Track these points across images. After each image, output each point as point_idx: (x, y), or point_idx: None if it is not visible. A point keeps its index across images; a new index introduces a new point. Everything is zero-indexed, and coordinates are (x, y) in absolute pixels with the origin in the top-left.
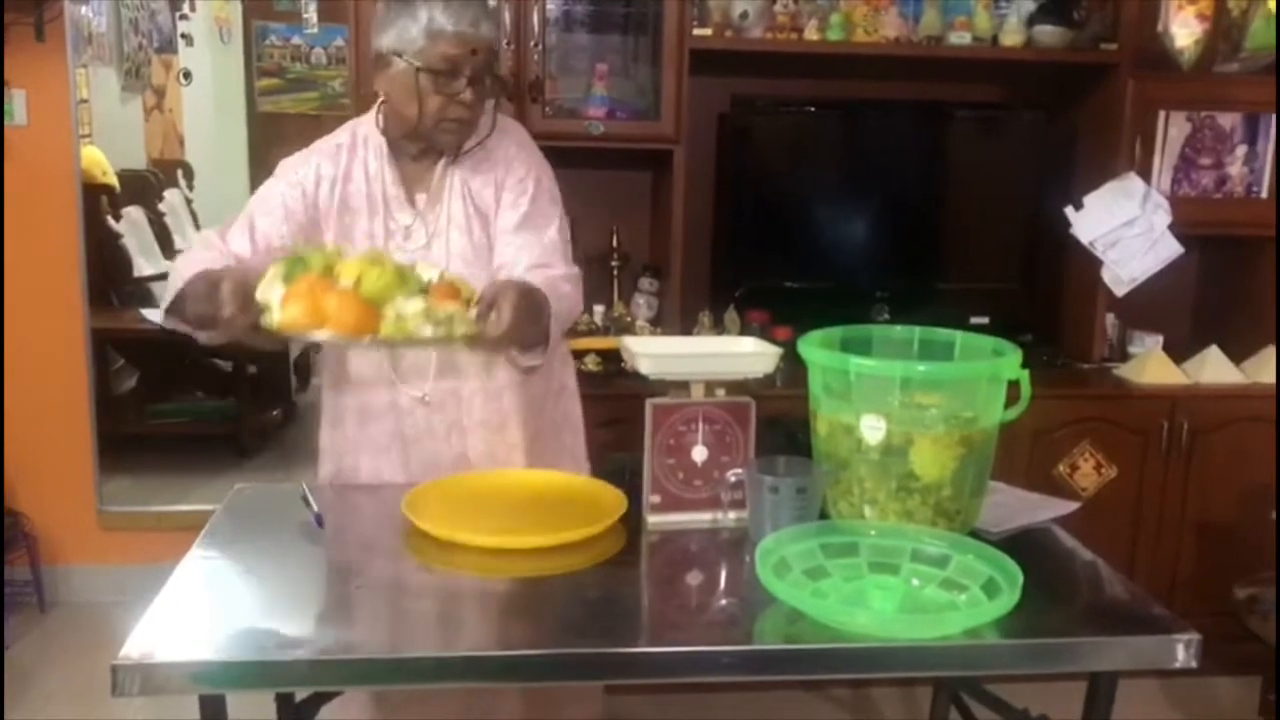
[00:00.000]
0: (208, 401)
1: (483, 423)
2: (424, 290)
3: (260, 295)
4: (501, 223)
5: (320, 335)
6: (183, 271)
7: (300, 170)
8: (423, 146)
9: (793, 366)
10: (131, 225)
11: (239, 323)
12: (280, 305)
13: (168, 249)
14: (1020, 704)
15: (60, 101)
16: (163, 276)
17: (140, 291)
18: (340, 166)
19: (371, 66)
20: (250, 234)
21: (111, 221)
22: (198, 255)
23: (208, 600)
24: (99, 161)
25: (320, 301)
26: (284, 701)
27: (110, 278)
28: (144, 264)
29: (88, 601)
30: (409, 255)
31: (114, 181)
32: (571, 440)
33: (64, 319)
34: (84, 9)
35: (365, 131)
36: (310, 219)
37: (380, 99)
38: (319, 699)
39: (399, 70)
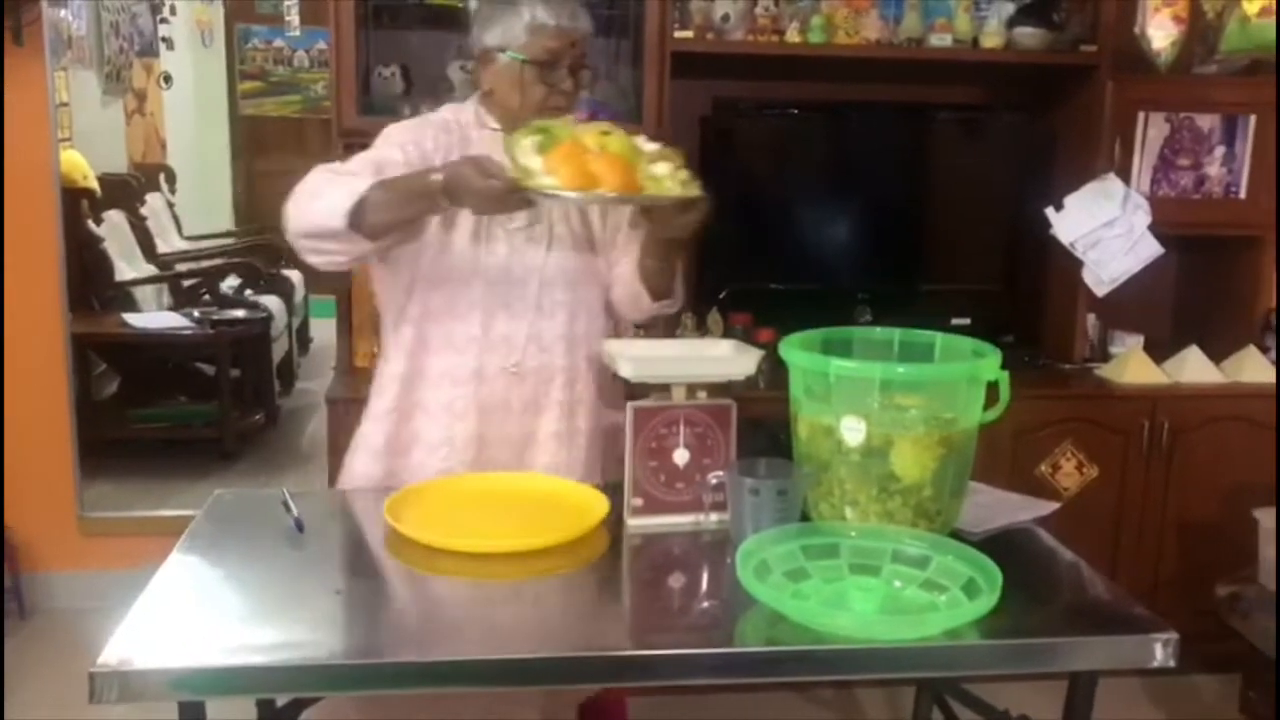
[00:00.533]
0: (190, 406)
1: (560, 403)
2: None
3: (522, 161)
4: (615, 218)
5: (591, 195)
6: (343, 191)
7: (415, 134)
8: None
9: (776, 369)
10: (112, 229)
11: (497, 191)
12: (547, 170)
13: (149, 253)
14: (1002, 705)
15: (39, 105)
16: (145, 280)
17: (121, 296)
18: (454, 136)
19: (477, 63)
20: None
21: (92, 225)
22: (336, 181)
23: (187, 606)
24: (79, 165)
25: (587, 164)
26: (265, 707)
27: (91, 282)
28: (125, 268)
29: (68, 608)
30: (521, 233)
31: (94, 185)
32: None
33: (44, 324)
34: (63, 12)
35: (466, 119)
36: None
37: (479, 93)
38: (299, 704)
39: (503, 65)
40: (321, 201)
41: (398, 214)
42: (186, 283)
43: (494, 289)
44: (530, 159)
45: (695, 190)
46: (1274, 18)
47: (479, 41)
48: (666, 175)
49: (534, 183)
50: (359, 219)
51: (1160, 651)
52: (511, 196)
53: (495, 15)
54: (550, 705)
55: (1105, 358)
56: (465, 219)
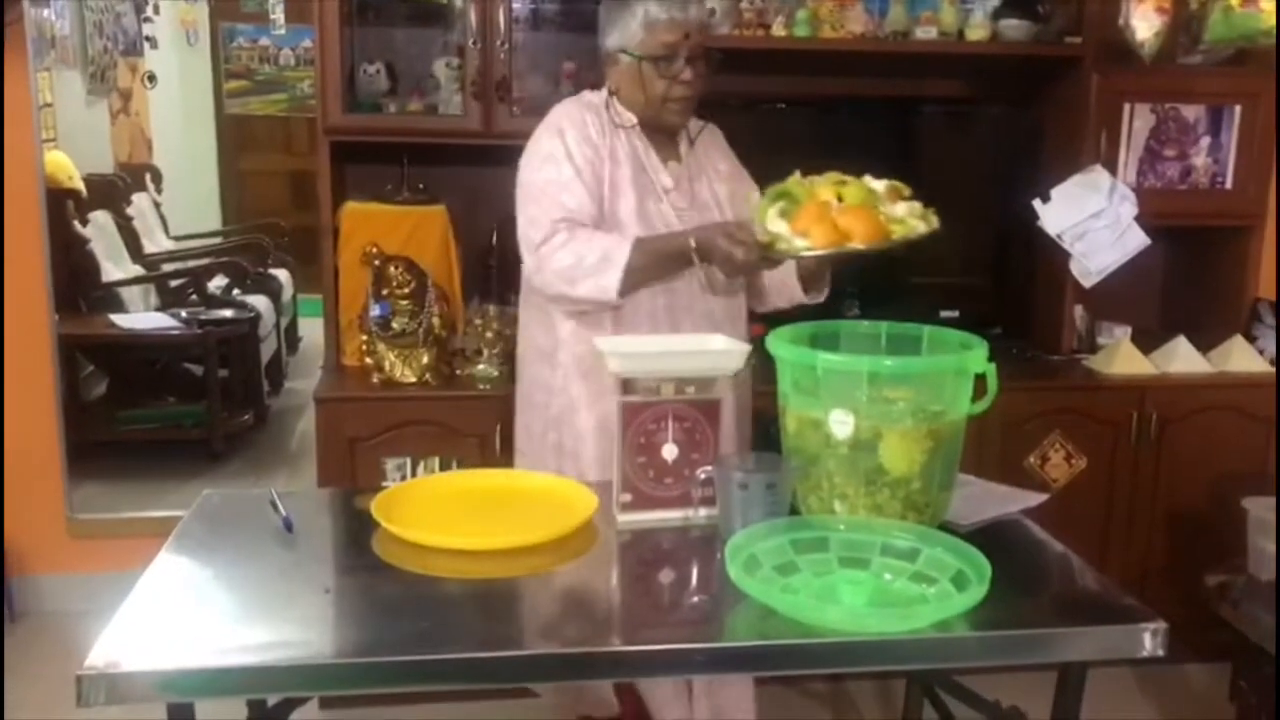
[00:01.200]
0: (178, 406)
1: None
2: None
3: (772, 228)
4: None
5: (845, 250)
6: (599, 258)
7: (580, 129)
8: (655, 127)
9: (764, 363)
10: (99, 230)
11: (753, 258)
12: (797, 232)
13: (136, 253)
14: (992, 696)
15: (22, 106)
16: (132, 281)
17: (108, 296)
18: (602, 121)
19: (603, 66)
20: (583, 207)
21: (78, 226)
22: (585, 237)
23: (176, 607)
24: (64, 166)
25: (834, 221)
26: (255, 708)
27: (78, 283)
28: (112, 269)
29: (57, 610)
30: (673, 213)
31: (80, 186)
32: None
33: (30, 325)
34: (46, 11)
35: (589, 112)
36: (597, 176)
37: (609, 92)
38: (290, 704)
39: (625, 65)
40: (584, 270)
41: (655, 276)
42: (174, 283)
43: (655, 299)
44: (778, 224)
45: (934, 221)
46: (1257, 6)
47: (602, 46)
48: (906, 213)
49: (788, 247)
50: (626, 287)
51: (1149, 641)
52: (762, 261)
53: (612, 18)
54: None
55: (1093, 349)
56: (627, 194)
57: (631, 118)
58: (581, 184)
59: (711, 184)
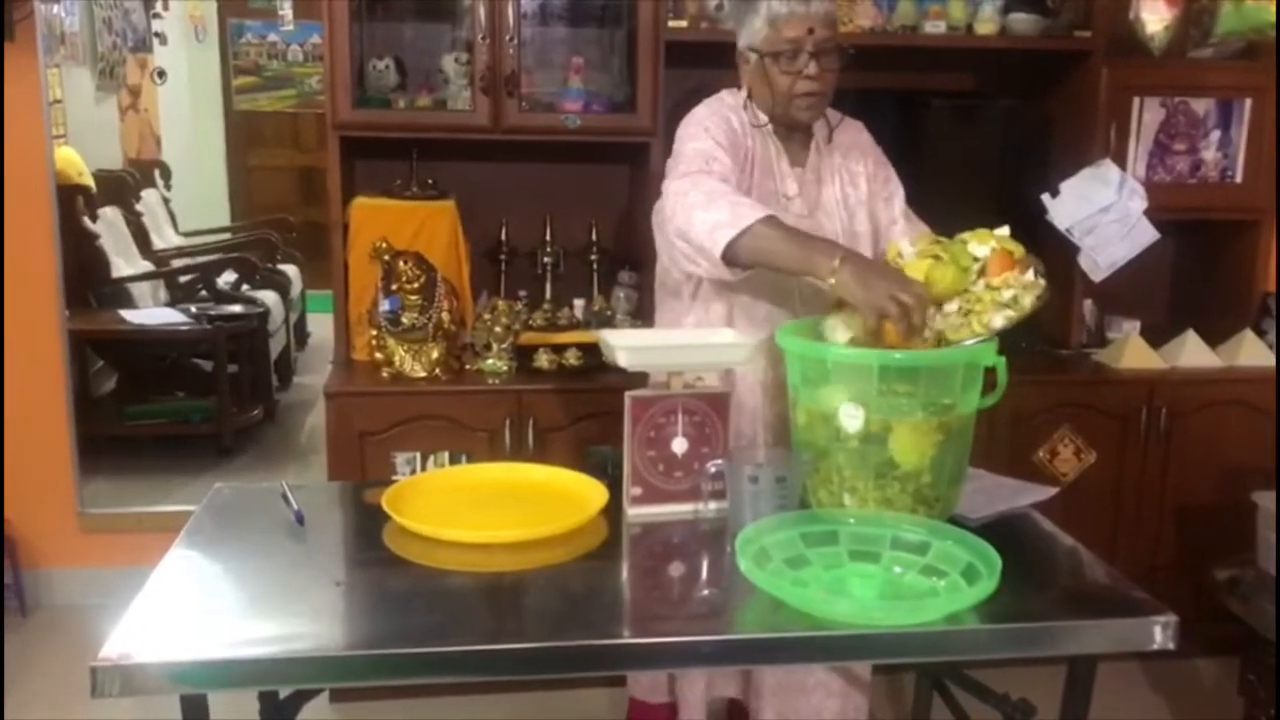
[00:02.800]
0: (188, 401)
1: None
2: (980, 267)
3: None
4: (885, 214)
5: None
6: (728, 213)
7: (723, 122)
8: (788, 125)
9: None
10: (108, 226)
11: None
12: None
13: (145, 249)
14: (1001, 689)
15: (32, 102)
16: (141, 277)
17: (118, 292)
18: (743, 121)
19: (738, 67)
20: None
21: (88, 222)
22: (724, 198)
23: (188, 600)
24: (74, 162)
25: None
26: (267, 700)
27: (88, 279)
28: (121, 264)
29: (69, 604)
30: (792, 220)
31: (90, 182)
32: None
33: (41, 321)
34: (56, 8)
35: (731, 112)
36: (740, 167)
37: (744, 91)
38: (301, 697)
39: (754, 63)
40: (707, 215)
41: (777, 264)
42: (183, 279)
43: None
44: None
45: (1041, 284)
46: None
47: (738, 48)
48: (1015, 289)
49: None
50: (733, 253)
51: (1160, 634)
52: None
53: (739, 17)
54: None
55: (1102, 343)
56: (751, 196)
57: (764, 117)
58: (732, 160)
59: (844, 186)
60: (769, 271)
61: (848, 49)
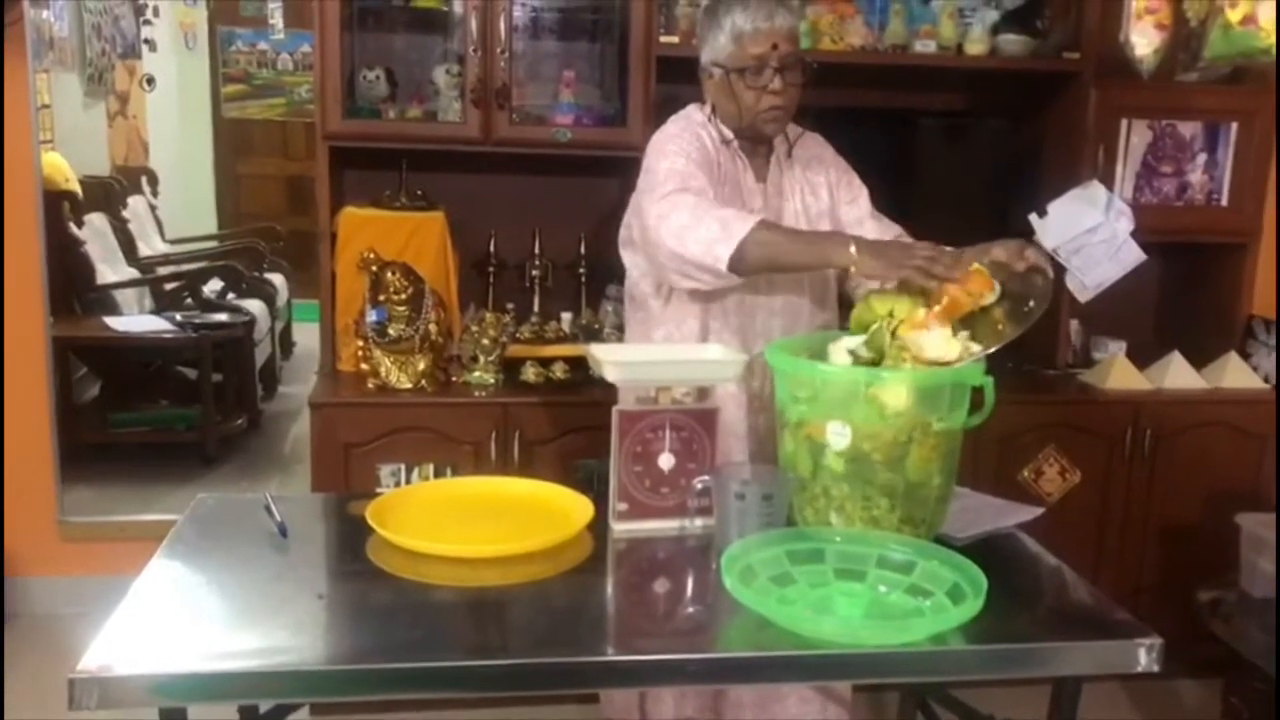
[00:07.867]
0: (172, 410)
1: None
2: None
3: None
4: (851, 215)
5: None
6: (717, 227)
7: (691, 139)
8: (752, 139)
9: None
10: (94, 232)
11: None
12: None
13: (131, 256)
14: (986, 710)
15: (19, 107)
16: (127, 284)
17: (103, 299)
18: (711, 136)
19: (702, 82)
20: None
21: (74, 228)
22: (710, 213)
23: (169, 611)
24: (61, 168)
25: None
26: (247, 714)
27: (72, 285)
28: (107, 271)
29: (49, 613)
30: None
31: (76, 188)
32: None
33: (24, 327)
34: (45, 13)
35: (701, 129)
36: (711, 180)
37: (709, 107)
38: (282, 710)
39: (718, 78)
40: (699, 233)
41: (788, 263)
42: (169, 286)
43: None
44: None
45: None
46: (1256, 25)
47: (701, 63)
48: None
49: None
50: (738, 262)
51: (1144, 656)
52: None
53: (704, 34)
54: None
55: (1088, 364)
56: None
57: (729, 132)
58: (706, 176)
59: (804, 197)
60: (740, 284)
61: (811, 64)
